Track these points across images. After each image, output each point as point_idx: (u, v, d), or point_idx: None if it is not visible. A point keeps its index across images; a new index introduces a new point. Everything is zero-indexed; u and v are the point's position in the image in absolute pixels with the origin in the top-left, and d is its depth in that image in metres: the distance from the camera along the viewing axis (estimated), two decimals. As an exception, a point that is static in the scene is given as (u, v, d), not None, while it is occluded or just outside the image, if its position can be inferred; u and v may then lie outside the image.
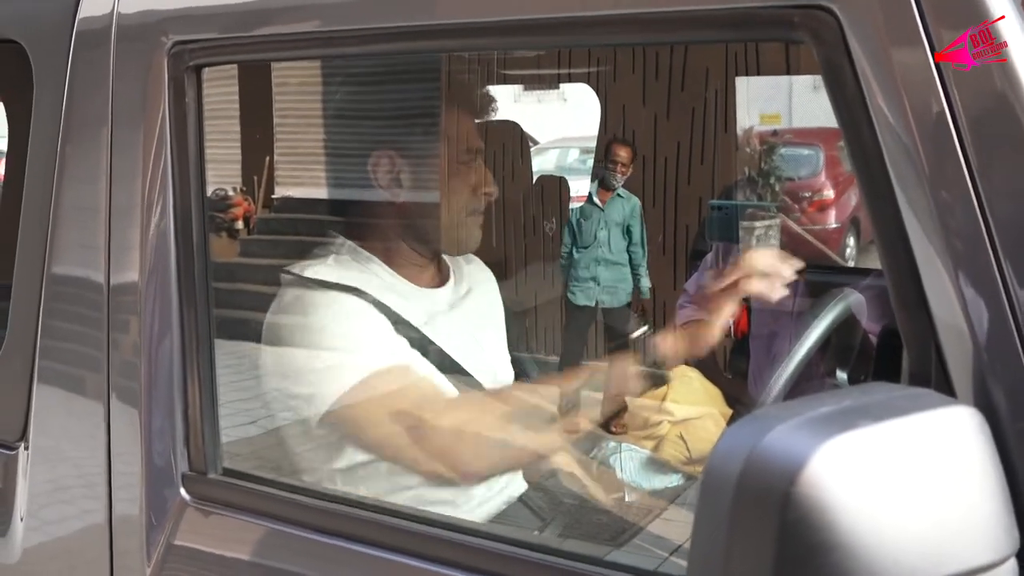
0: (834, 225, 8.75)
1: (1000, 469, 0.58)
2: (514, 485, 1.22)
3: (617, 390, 1.20)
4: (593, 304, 3.09)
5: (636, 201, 3.15)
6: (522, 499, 1.23)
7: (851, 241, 9.18)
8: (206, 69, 1.00)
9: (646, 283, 3.11)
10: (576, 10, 0.81)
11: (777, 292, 1.11)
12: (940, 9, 0.66)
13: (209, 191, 1.10)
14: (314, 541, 0.95)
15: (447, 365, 1.18)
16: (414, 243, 1.24)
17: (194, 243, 1.00)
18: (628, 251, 3.21)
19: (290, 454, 1.16)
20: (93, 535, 1.06)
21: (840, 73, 0.69)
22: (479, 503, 1.15)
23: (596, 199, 3.22)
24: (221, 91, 1.15)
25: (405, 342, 1.16)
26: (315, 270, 1.19)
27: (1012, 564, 0.57)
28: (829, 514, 0.52)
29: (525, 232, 2.30)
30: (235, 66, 1.30)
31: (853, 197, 9.38)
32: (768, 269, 1.11)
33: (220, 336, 1.07)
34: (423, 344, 1.18)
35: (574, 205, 3.15)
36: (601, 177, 3.13)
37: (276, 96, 1.60)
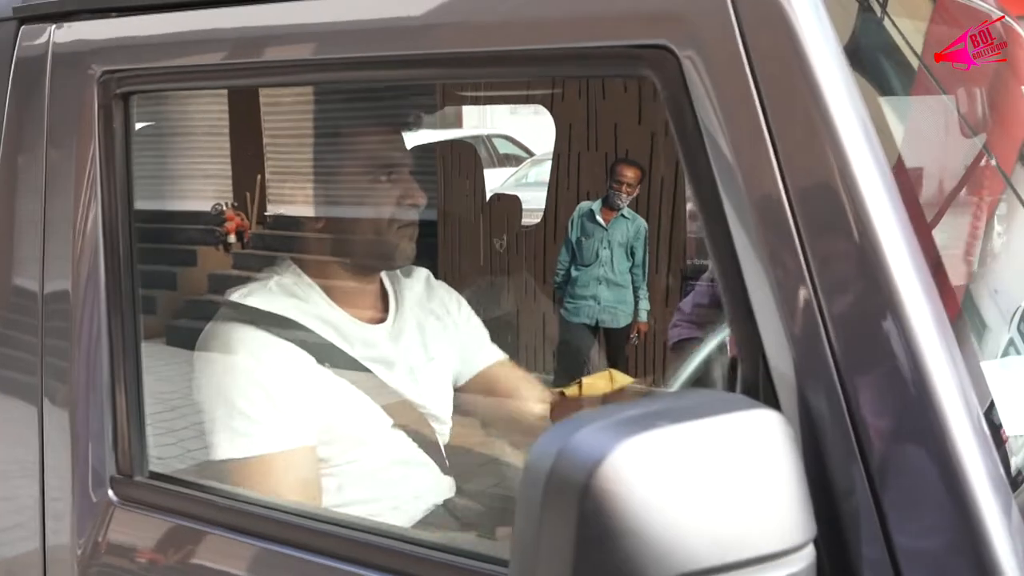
0: None
1: (800, 466, 0.62)
2: (438, 492, 1.25)
3: None
4: (593, 323, 3.08)
5: (642, 222, 3.15)
6: (445, 505, 1.25)
7: None
8: (133, 96, 1.05)
9: (645, 305, 3.09)
10: (448, 47, 0.88)
11: None
12: (763, 50, 0.70)
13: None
14: (236, 542, 0.99)
15: (383, 393, 1.21)
16: (349, 265, 1.27)
17: (120, 256, 1.04)
18: (631, 272, 3.21)
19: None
20: (26, 534, 1.09)
21: (680, 109, 0.74)
22: (393, 507, 1.17)
23: (599, 218, 3.21)
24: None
25: (331, 373, 1.19)
26: (253, 298, 1.22)
27: (809, 551, 0.61)
28: (623, 503, 0.56)
29: (478, 249, 2.35)
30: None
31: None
32: None
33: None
34: (355, 374, 1.20)
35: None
36: (605, 196, 3.15)
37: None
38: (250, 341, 1.19)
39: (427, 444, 1.29)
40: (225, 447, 1.14)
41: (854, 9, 0.88)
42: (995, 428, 0.73)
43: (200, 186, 1.46)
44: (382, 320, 1.30)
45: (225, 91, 1.25)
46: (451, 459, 1.31)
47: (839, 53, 0.71)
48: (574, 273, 3.21)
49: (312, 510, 1.11)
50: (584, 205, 3.18)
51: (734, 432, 0.61)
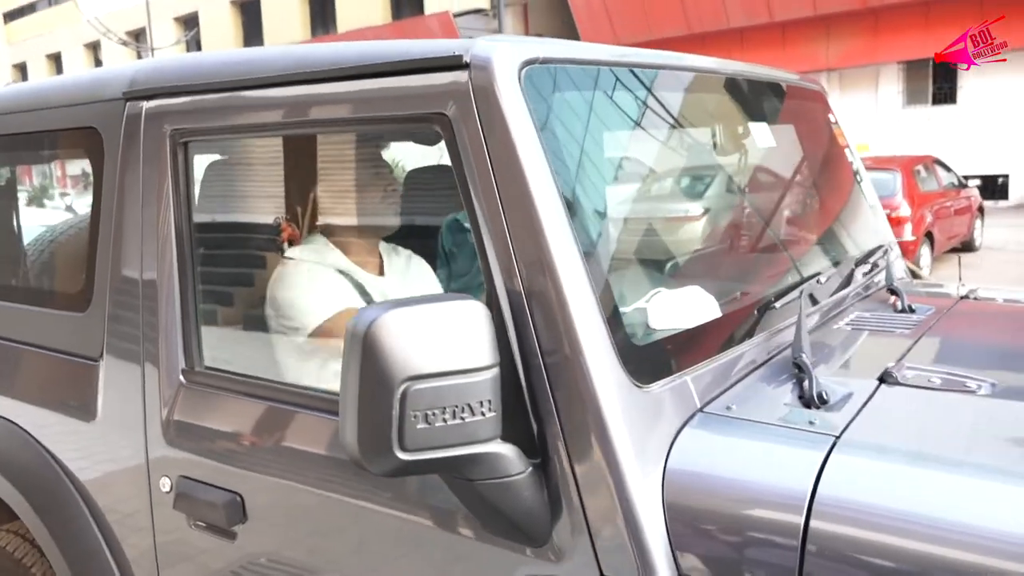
0: (910, 238, 8.91)
1: (491, 329, 1.00)
2: None
3: None
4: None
5: None
6: None
7: (925, 251, 9.30)
8: (191, 144, 1.51)
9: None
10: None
11: None
12: (488, 121, 1.07)
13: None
14: (257, 404, 1.41)
15: None
16: (370, 241, 1.77)
17: (187, 252, 1.50)
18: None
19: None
20: (136, 405, 1.57)
21: (454, 153, 1.11)
22: None
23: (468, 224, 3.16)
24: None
25: (356, 292, 1.68)
26: (298, 252, 1.70)
27: (495, 370, 0.98)
28: (381, 342, 0.93)
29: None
30: None
31: (928, 215, 9.41)
32: None
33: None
34: (367, 297, 1.68)
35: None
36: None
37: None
38: (303, 269, 1.65)
39: None
40: (294, 327, 1.60)
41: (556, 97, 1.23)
42: (626, 341, 1.09)
43: (263, 205, 1.89)
44: (381, 274, 1.81)
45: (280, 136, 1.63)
46: None
47: (534, 128, 1.09)
48: (453, 286, 3.23)
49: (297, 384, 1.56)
50: (450, 217, 3.32)
51: (456, 309, 0.99)
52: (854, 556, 0.94)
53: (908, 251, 9.10)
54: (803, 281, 1.62)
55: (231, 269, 1.77)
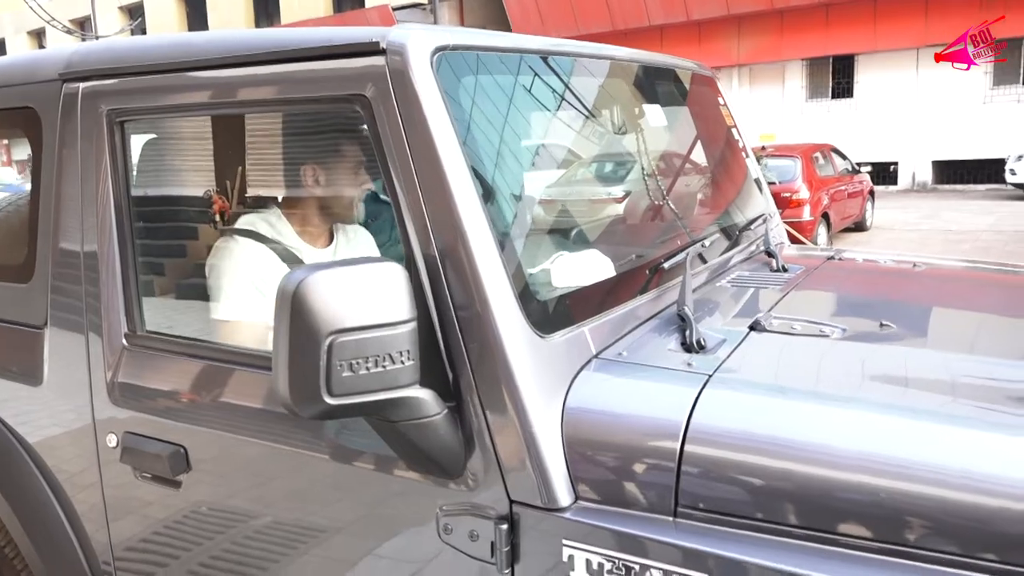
0: (809, 218, 9.30)
1: (408, 289, 1.04)
2: None
3: None
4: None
5: None
6: None
7: (822, 230, 9.72)
8: (127, 123, 1.50)
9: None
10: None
11: None
12: (403, 101, 1.11)
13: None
14: (192, 362, 1.44)
15: None
16: (317, 216, 1.76)
17: (125, 223, 1.50)
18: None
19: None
20: (81, 368, 1.57)
21: (374, 131, 1.15)
22: None
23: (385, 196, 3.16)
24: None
25: (286, 268, 1.64)
26: (246, 222, 1.65)
27: (412, 325, 1.03)
28: (308, 299, 0.97)
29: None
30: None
31: (825, 198, 9.83)
32: None
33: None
34: None
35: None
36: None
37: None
38: (242, 246, 1.63)
39: None
40: (212, 303, 1.60)
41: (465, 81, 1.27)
42: (529, 297, 1.15)
43: (196, 180, 1.86)
44: (326, 246, 1.81)
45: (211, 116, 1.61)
46: None
47: (446, 108, 1.13)
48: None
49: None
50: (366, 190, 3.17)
51: (376, 271, 1.03)
52: (723, 474, 1.04)
53: (806, 230, 9.48)
54: (690, 244, 1.72)
55: (167, 240, 1.77)
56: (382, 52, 1.16)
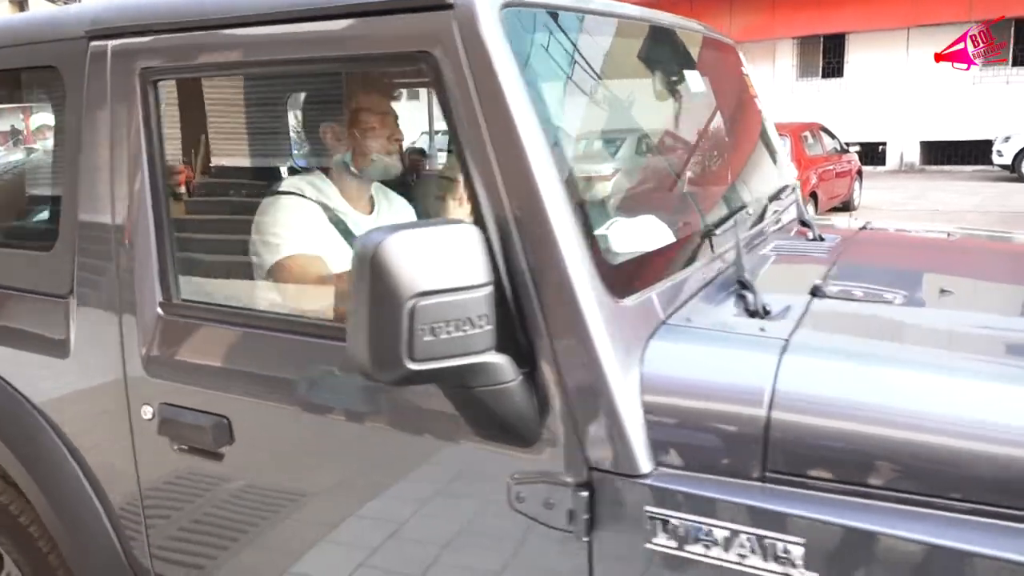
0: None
1: (484, 251, 1.02)
2: None
3: None
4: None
5: None
6: None
7: (810, 209, 9.76)
8: (160, 83, 1.45)
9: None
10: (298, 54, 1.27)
11: None
12: (474, 58, 1.08)
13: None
14: (228, 331, 1.41)
15: None
16: (352, 176, 1.79)
17: (159, 184, 1.45)
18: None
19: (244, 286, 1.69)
20: (112, 338, 1.51)
21: (441, 89, 1.11)
22: None
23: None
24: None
25: (334, 229, 1.70)
26: (292, 183, 1.73)
27: (489, 288, 1.01)
28: (389, 262, 0.95)
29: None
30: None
31: (813, 177, 9.87)
32: None
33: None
34: (350, 234, 1.70)
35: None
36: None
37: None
38: (293, 201, 1.68)
39: None
40: (264, 256, 1.62)
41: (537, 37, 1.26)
42: (602, 261, 1.12)
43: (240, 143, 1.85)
44: (369, 213, 1.84)
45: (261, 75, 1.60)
46: None
47: (516, 65, 1.10)
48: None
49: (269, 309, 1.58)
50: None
51: (452, 232, 1.01)
52: (812, 441, 1.02)
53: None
54: (734, 212, 1.70)
55: (202, 204, 1.72)
56: (448, 7, 1.12)
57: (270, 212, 1.73)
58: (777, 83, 17.62)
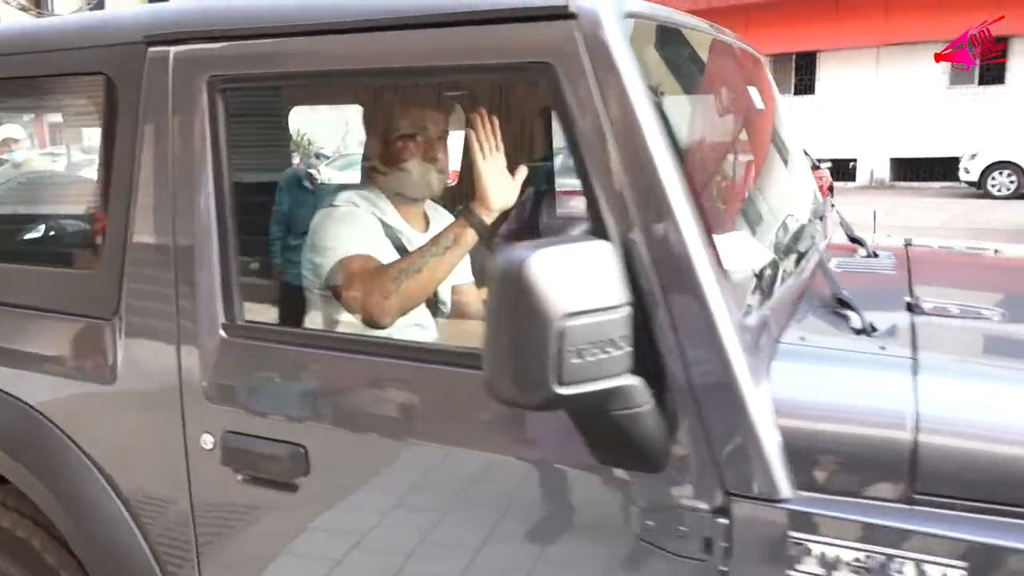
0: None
1: (620, 269, 0.99)
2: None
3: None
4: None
5: None
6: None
7: None
8: (230, 92, 1.37)
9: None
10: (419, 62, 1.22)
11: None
12: (599, 68, 1.04)
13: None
14: (295, 351, 1.36)
15: None
16: (401, 191, 1.76)
17: (226, 200, 1.38)
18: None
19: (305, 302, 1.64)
20: (165, 363, 1.41)
21: (559, 100, 1.07)
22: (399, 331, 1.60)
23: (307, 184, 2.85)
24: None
25: (390, 245, 1.68)
26: (346, 196, 1.69)
27: (627, 308, 0.98)
28: (537, 280, 0.91)
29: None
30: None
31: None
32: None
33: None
34: (406, 252, 1.67)
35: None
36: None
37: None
38: (352, 211, 1.66)
39: (434, 315, 1.77)
40: (321, 266, 1.59)
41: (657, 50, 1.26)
42: (727, 280, 1.08)
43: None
44: (424, 231, 1.80)
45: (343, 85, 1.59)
46: (445, 330, 1.80)
47: (642, 77, 1.07)
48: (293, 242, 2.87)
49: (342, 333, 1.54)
50: (289, 174, 2.57)
51: (589, 250, 0.98)
52: (962, 463, 1.00)
53: None
54: (802, 229, 1.69)
55: (265, 221, 1.65)
56: (571, 16, 1.08)
57: (325, 225, 1.68)
58: (750, 100, 17.92)
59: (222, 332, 1.40)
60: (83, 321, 1.57)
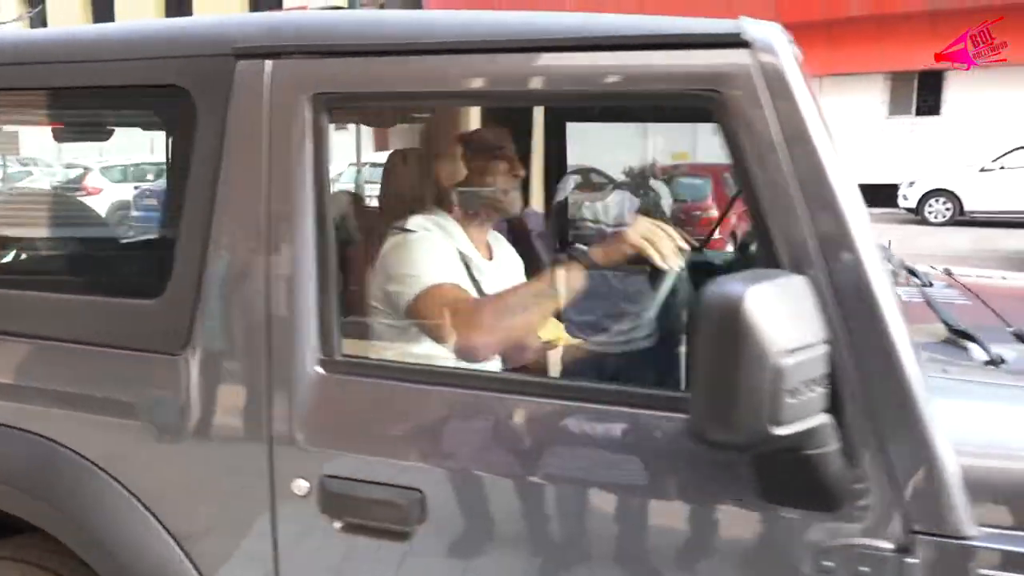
0: (718, 237, 9.63)
1: (816, 304, 0.98)
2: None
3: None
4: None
5: None
6: None
7: (729, 248, 10.16)
8: (337, 111, 1.31)
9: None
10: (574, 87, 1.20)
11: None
12: (776, 98, 1.05)
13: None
14: (394, 386, 1.29)
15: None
16: (475, 217, 1.74)
17: (325, 224, 1.30)
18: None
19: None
20: (248, 402, 1.33)
21: (729, 129, 1.07)
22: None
23: None
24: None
25: (464, 271, 1.63)
26: (418, 221, 1.65)
27: (824, 345, 0.97)
28: (754, 317, 0.89)
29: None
30: None
31: (733, 217, 10.22)
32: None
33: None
34: (474, 279, 1.63)
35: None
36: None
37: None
38: (427, 236, 1.63)
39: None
40: (399, 290, 1.54)
41: None
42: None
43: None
44: (490, 259, 1.78)
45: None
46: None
47: (818, 108, 1.08)
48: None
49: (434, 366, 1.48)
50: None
51: (790, 285, 0.96)
52: None
53: (716, 247, 9.82)
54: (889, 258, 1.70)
55: (359, 249, 1.57)
56: (745, 44, 1.07)
57: (401, 252, 1.61)
58: (699, 126, 18.45)
59: (319, 368, 1.31)
60: (142, 356, 1.44)
